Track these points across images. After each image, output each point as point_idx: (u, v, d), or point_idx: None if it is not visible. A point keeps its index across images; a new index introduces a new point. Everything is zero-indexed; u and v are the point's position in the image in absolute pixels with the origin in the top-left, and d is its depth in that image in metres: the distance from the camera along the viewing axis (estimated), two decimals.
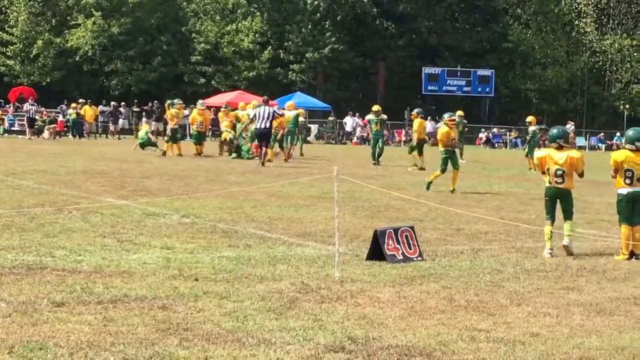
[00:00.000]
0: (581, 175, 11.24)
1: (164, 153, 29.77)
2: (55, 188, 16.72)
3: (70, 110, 46.75)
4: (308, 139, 40.74)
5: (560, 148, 11.07)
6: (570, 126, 56.28)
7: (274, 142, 28.49)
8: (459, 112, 31.64)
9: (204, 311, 7.07)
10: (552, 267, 9.92)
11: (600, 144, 63.11)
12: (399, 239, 9.86)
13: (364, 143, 50.64)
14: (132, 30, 61.86)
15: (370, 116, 30.03)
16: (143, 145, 32.18)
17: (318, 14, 66.34)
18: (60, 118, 47.96)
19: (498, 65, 68.57)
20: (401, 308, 7.49)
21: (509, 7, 71.35)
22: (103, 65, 61.65)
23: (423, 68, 66.52)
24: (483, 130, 61.89)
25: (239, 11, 65.34)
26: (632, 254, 10.75)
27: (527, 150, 30.37)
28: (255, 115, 26.83)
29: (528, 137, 31.39)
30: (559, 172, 10.98)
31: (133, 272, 8.60)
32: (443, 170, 19.38)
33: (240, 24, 63.97)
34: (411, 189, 19.52)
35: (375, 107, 29.99)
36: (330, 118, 57.53)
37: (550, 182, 11.09)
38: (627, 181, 10.91)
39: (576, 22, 71.12)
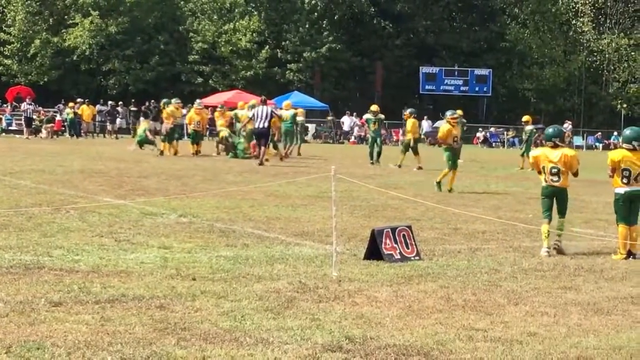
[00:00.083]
0: (576, 174, 11.26)
1: (161, 152, 29.74)
2: (52, 187, 16.71)
3: (68, 110, 46.73)
4: (305, 138, 40.70)
5: (555, 147, 11.10)
6: (567, 125, 56.33)
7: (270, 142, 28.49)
8: (459, 112, 31.64)
9: (202, 311, 7.07)
10: (549, 266, 9.93)
11: (597, 144, 63.14)
12: (397, 238, 9.86)
13: (362, 142, 50.65)
14: (130, 30, 61.84)
15: (368, 115, 30.03)
16: (141, 143, 32.17)
17: (315, 13, 66.36)
18: (58, 117, 47.93)
19: (495, 65, 68.60)
20: (399, 307, 7.50)
21: (506, 7, 71.39)
22: (100, 64, 61.64)
23: (420, 67, 66.54)
24: (480, 129, 61.90)
25: (236, 10, 65.35)
26: (629, 254, 10.76)
27: (524, 149, 30.38)
28: (254, 115, 26.84)
29: (525, 137, 31.42)
30: (554, 170, 11.00)
31: (130, 271, 8.59)
32: (451, 167, 19.32)
33: (237, 23, 63.98)
34: (409, 188, 19.52)
35: (374, 107, 30.00)
36: (329, 117, 57.54)
37: (546, 181, 11.11)
38: (624, 180, 10.92)
39: (573, 21, 71.17)
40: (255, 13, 65.31)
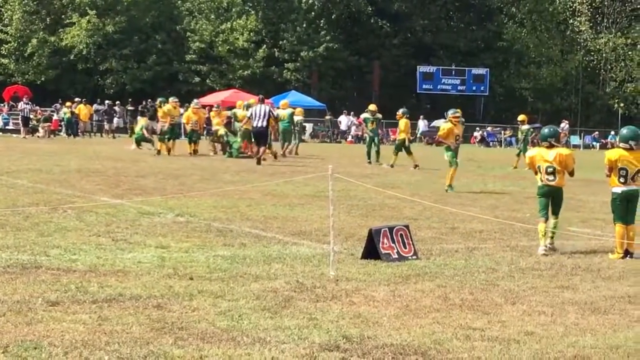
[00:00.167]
0: (571, 174, 11.28)
1: (159, 152, 29.71)
2: (49, 187, 16.69)
3: (65, 109, 46.70)
4: (303, 137, 40.69)
5: (551, 147, 11.13)
6: (564, 125, 56.38)
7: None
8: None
9: (199, 310, 7.07)
10: (546, 265, 9.93)
11: (594, 143, 63.21)
12: (394, 237, 9.86)
13: (359, 142, 50.66)
14: (127, 29, 61.83)
15: (366, 115, 30.02)
16: (138, 142, 32.14)
17: (313, 13, 66.37)
18: (55, 117, 47.91)
19: (493, 64, 68.66)
20: (396, 307, 7.50)
21: (503, 6, 71.45)
22: (98, 64, 61.62)
23: (418, 67, 66.59)
24: (478, 129, 61.94)
25: (233, 10, 65.36)
26: (626, 253, 10.77)
27: (520, 148, 30.37)
28: (251, 114, 26.83)
29: (521, 136, 31.44)
30: (550, 170, 11.02)
31: (128, 271, 8.59)
32: (456, 165, 19.29)
33: (235, 23, 63.98)
34: (406, 187, 19.53)
35: (372, 107, 30.00)
36: (327, 117, 57.55)
37: (542, 181, 11.13)
38: (621, 180, 10.93)
39: (571, 20, 71.25)
40: (253, 12, 65.33)
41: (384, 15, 68.50)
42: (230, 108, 33.65)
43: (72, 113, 46.44)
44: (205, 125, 37.12)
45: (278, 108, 32.25)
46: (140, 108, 49.28)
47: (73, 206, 13.38)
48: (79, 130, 47.30)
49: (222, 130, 31.03)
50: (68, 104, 47.14)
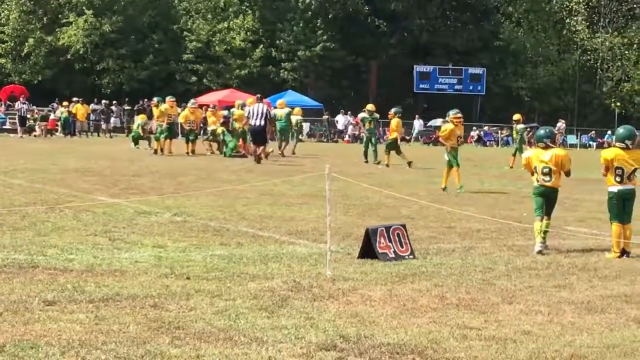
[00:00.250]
0: (568, 174, 11.29)
1: (155, 151, 29.72)
2: (46, 186, 16.68)
3: (62, 109, 46.64)
4: (300, 137, 40.66)
5: (546, 148, 11.15)
6: (561, 124, 56.42)
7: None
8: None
9: (196, 309, 7.07)
10: (543, 265, 9.94)
11: (591, 142, 63.26)
12: (391, 237, 9.86)
13: (356, 141, 50.66)
14: (124, 29, 61.74)
15: (364, 114, 30.01)
16: (135, 140, 32.11)
17: (310, 12, 66.32)
18: (52, 116, 47.85)
19: (489, 64, 68.67)
20: (393, 306, 7.50)
21: (500, 6, 71.49)
22: (95, 63, 61.52)
23: (415, 66, 66.59)
24: (474, 128, 61.93)
25: (230, 9, 65.31)
26: (623, 252, 10.79)
27: (517, 148, 30.37)
28: (249, 113, 26.83)
29: (517, 136, 31.43)
30: (545, 170, 11.04)
31: (125, 270, 8.59)
32: (457, 165, 19.25)
33: (231, 22, 63.93)
34: (403, 187, 19.52)
35: (370, 106, 29.98)
36: (325, 117, 57.55)
37: (538, 181, 11.14)
38: (618, 179, 10.94)
39: (567, 20, 71.32)
40: (250, 12, 65.28)
41: (380, 15, 68.49)
42: (228, 108, 33.61)
43: (69, 113, 46.39)
44: (202, 125, 37.08)
45: (275, 108, 32.24)
46: (136, 107, 49.23)
47: (70, 206, 13.38)
48: (76, 130, 47.23)
49: (220, 130, 31.02)
50: (65, 103, 47.08)
